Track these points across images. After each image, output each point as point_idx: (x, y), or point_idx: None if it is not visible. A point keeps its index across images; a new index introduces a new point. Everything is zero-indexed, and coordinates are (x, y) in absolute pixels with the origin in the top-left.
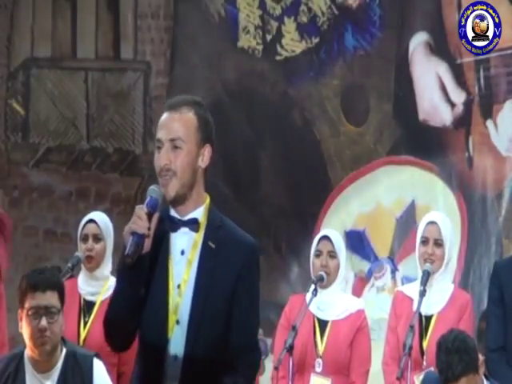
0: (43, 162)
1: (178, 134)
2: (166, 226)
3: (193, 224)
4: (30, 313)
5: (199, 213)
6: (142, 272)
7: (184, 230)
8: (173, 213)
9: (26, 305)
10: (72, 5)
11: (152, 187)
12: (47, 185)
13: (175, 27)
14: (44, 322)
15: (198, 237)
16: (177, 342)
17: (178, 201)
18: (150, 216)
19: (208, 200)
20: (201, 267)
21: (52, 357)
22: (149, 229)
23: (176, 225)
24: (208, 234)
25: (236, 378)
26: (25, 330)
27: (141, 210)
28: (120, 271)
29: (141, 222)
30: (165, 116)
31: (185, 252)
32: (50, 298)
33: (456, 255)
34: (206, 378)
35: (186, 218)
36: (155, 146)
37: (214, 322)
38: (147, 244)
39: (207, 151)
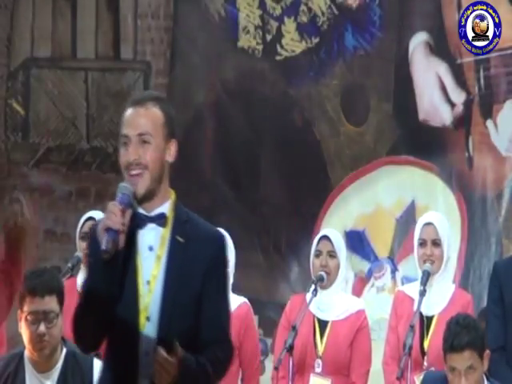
0: (43, 162)
1: (145, 129)
2: (134, 223)
3: (160, 219)
4: (28, 317)
5: (166, 208)
6: (117, 268)
7: (151, 225)
8: (140, 210)
9: (25, 308)
10: (72, 5)
11: (122, 184)
12: (47, 185)
13: (175, 27)
14: (42, 327)
15: (166, 232)
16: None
17: (148, 197)
18: (122, 212)
19: (173, 195)
20: (170, 262)
21: (52, 358)
22: (123, 224)
23: (143, 221)
24: (176, 229)
25: (214, 351)
26: (24, 333)
27: (114, 206)
28: (92, 268)
29: (115, 217)
30: (130, 112)
31: (153, 248)
32: (49, 303)
33: (456, 255)
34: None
35: (153, 213)
36: (121, 142)
37: (184, 317)
38: (122, 240)
39: (173, 146)
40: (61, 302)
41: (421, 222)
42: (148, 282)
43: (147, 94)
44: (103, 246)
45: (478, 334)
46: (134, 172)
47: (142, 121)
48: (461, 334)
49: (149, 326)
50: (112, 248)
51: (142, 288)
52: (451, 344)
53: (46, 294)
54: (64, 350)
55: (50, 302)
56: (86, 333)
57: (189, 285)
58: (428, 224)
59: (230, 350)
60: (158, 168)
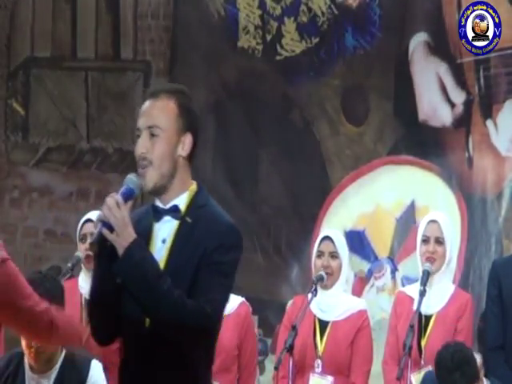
0: (43, 161)
1: (155, 122)
2: (151, 217)
3: (174, 212)
4: None
5: (181, 200)
6: (111, 260)
7: (167, 218)
8: (157, 202)
9: None
10: (72, 5)
11: (130, 176)
12: (47, 185)
13: (175, 27)
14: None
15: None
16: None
17: (159, 191)
18: (119, 205)
19: (194, 186)
20: (174, 243)
21: (50, 362)
22: (116, 217)
23: (159, 214)
24: (187, 214)
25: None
26: (22, 340)
27: (112, 198)
28: (95, 264)
29: (107, 210)
30: (145, 104)
31: (166, 240)
32: None
33: (456, 255)
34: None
35: (168, 206)
36: (135, 134)
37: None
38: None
39: (188, 139)
40: (61, 306)
41: (425, 219)
42: None
43: (162, 86)
44: (92, 239)
45: (472, 368)
46: (142, 166)
47: (153, 113)
48: (456, 381)
49: None
50: (98, 240)
51: None
52: None
53: None
54: (63, 353)
55: None
56: (98, 325)
57: (189, 264)
58: (433, 221)
59: (200, 316)
60: (167, 163)
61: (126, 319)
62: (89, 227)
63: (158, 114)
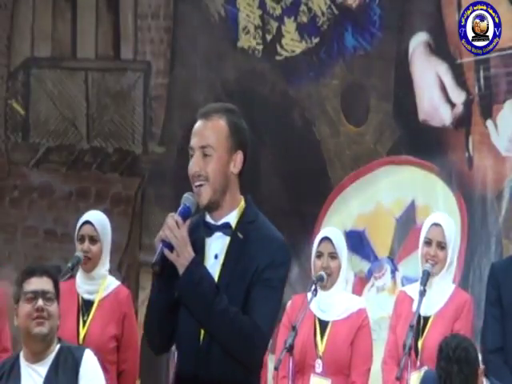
0: (43, 162)
1: (207, 142)
2: (202, 232)
3: (226, 228)
4: (27, 297)
5: (232, 217)
6: (172, 279)
7: (218, 234)
8: (208, 218)
9: (23, 291)
10: (72, 5)
11: (186, 195)
12: (47, 185)
13: (175, 27)
14: (41, 302)
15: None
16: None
17: (212, 207)
18: (178, 224)
19: (242, 203)
20: (226, 258)
21: (47, 346)
22: (176, 237)
23: (210, 230)
24: (238, 229)
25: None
26: (21, 316)
27: (172, 218)
28: (153, 279)
29: (169, 231)
30: (197, 124)
31: (218, 256)
32: (47, 283)
33: (456, 255)
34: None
35: (220, 222)
36: (189, 154)
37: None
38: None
39: (239, 157)
40: (57, 290)
41: (429, 221)
42: None
43: (213, 106)
44: (154, 259)
45: (471, 369)
46: (196, 183)
47: (206, 133)
48: (452, 374)
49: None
50: (161, 261)
51: None
52: None
53: (44, 274)
54: (58, 345)
55: (48, 283)
56: (154, 336)
57: (242, 280)
58: (436, 225)
59: (255, 333)
60: (221, 180)
61: (181, 333)
62: (87, 229)
63: (209, 134)
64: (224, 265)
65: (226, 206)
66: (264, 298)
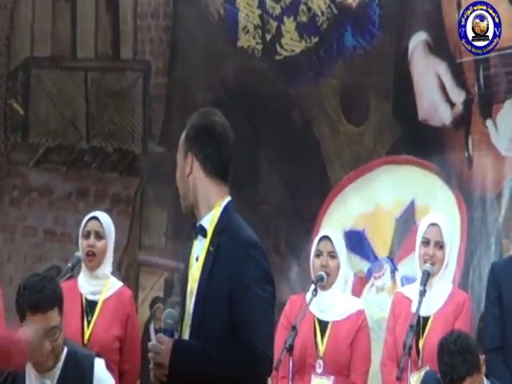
0: (43, 161)
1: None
2: (193, 234)
3: (201, 231)
4: None
5: (206, 221)
6: None
7: (200, 236)
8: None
9: (27, 325)
10: (72, 5)
11: (167, 311)
12: (47, 185)
13: (175, 27)
14: (48, 345)
15: (207, 242)
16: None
17: (188, 212)
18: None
19: (218, 208)
20: (201, 272)
21: (54, 361)
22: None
23: (195, 232)
24: (212, 239)
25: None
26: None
27: (158, 343)
28: None
29: (158, 371)
30: None
31: (198, 258)
32: (52, 319)
33: (456, 255)
34: None
35: (198, 224)
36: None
37: (214, 326)
38: None
39: (190, 158)
40: (61, 310)
41: (426, 221)
42: (191, 292)
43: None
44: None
45: (474, 357)
46: None
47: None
48: (457, 365)
49: (187, 332)
50: None
51: (188, 298)
52: (451, 378)
53: (48, 309)
54: (65, 350)
55: (53, 317)
56: None
57: (216, 292)
58: (433, 225)
59: (246, 352)
60: (182, 185)
61: None
62: (93, 224)
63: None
64: (202, 269)
65: (201, 208)
66: (250, 309)
